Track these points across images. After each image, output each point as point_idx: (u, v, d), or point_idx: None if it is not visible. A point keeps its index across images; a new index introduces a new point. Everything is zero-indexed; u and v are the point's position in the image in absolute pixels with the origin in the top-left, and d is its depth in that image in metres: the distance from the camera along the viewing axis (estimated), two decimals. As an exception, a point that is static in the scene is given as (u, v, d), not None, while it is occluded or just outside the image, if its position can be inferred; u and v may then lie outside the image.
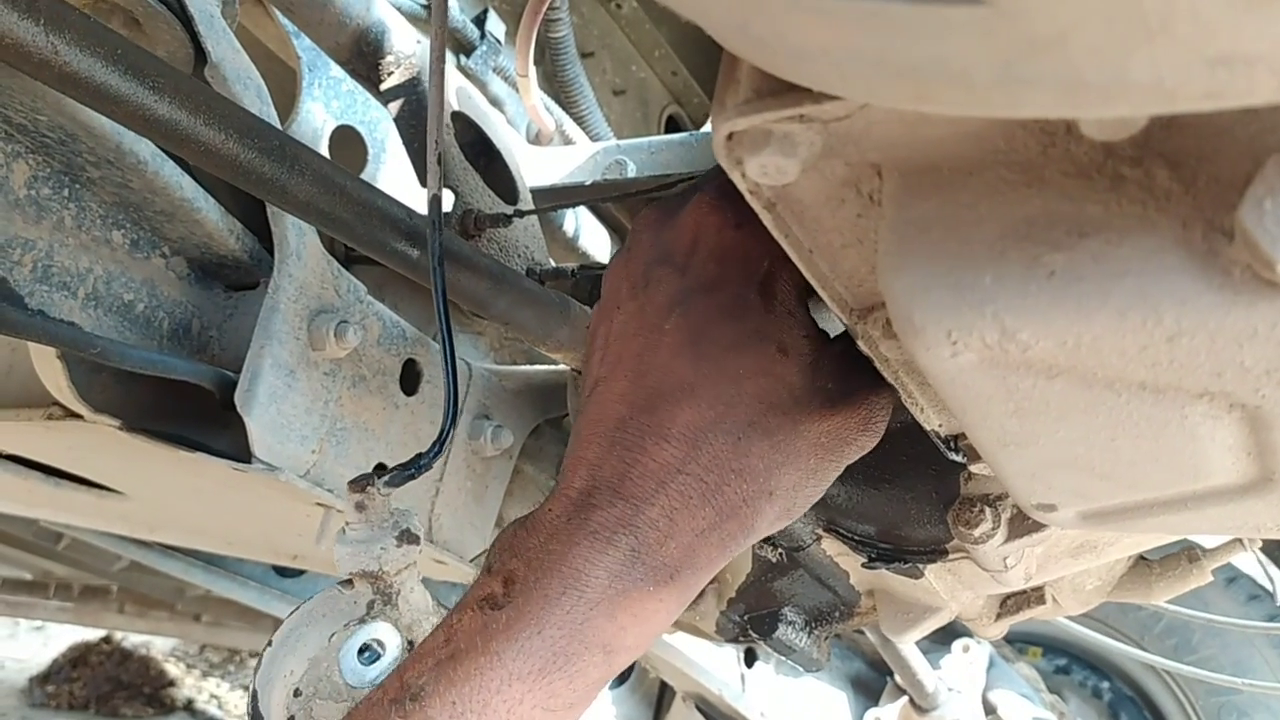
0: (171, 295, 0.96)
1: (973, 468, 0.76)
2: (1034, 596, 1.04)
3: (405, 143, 1.10)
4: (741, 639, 1.13)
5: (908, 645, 1.98)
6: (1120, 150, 0.40)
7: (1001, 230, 0.42)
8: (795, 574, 1.05)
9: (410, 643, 0.80)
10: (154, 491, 1.39)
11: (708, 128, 0.78)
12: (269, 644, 0.76)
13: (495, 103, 1.39)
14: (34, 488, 1.40)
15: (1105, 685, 2.70)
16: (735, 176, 0.46)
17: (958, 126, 0.42)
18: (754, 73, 0.44)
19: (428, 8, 1.23)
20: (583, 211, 1.37)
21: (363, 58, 1.10)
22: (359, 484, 0.76)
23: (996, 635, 1.08)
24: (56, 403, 0.97)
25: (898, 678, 2.12)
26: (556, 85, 1.52)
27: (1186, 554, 1.06)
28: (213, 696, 5.34)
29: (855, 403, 0.66)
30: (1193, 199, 0.39)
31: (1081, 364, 0.43)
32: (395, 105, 1.11)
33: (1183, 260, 0.39)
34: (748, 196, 0.49)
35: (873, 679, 2.31)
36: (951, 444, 0.68)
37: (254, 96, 0.89)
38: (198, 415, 1.01)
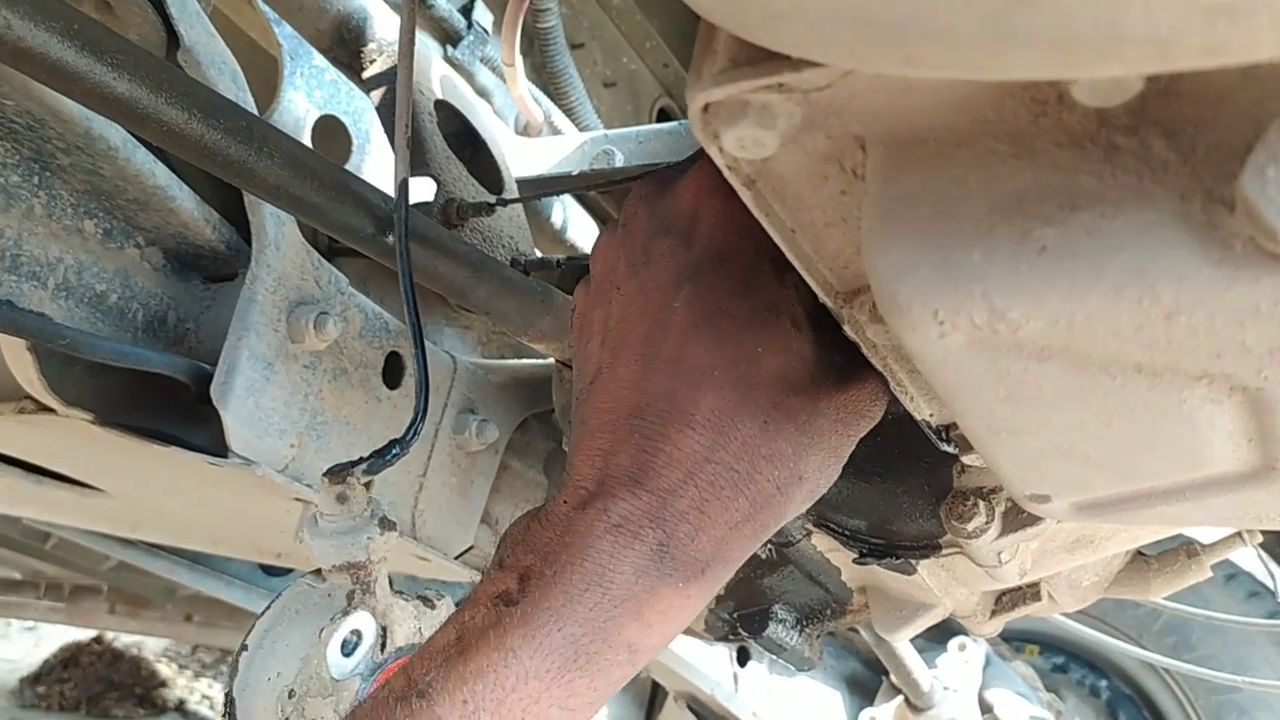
0: (146, 286, 0.94)
1: (965, 459, 0.74)
2: (1029, 593, 1.02)
3: (387, 131, 1.08)
4: (731, 637, 1.12)
5: (902, 643, 1.96)
6: (1114, 119, 0.38)
7: (990, 204, 0.40)
8: (785, 570, 1.03)
9: (384, 628, 0.78)
10: (134, 488, 1.36)
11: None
12: (244, 648, 0.74)
13: (483, 93, 1.37)
14: (14, 485, 1.37)
15: (1103, 684, 2.68)
16: (712, 151, 0.44)
17: (944, 95, 0.40)
18: (731, 41, 0.42)
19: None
20: (571, 203, 1.36)
21: (344, 45, 1.08)
22: (339, 474, 0.75)
23: (992, 633, 1.07)
24: (29, 396, 0.95)
25: (893, 677, 2.10)
26: (545, 76, 1.50)
27: (1184, 549, 1.04)
28: (204, 697, 5.31)
29: (864, 375, 0.63)
30: (1191, 169, 0.37)
31: (1075, 345, 0.41)
32: (377, 94, 1.09)
33: (1181, 234, 0.37)
34: (726, 172, 0.47)
35: (868, 678, 2.29)
36: (943, 434, 0.66)
37: (229, 81, 0.86)
38: (175, 410, 0.99)
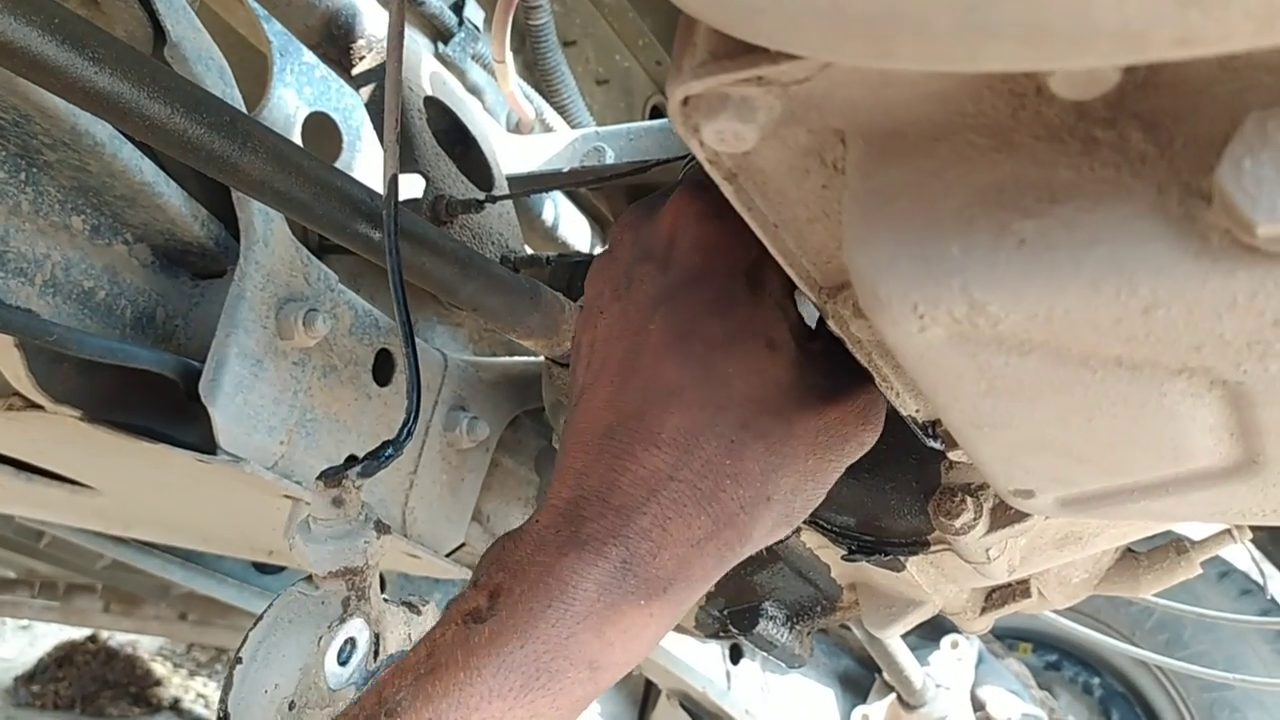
0: (134, 283, 0.94)
1: (952, 455, 0.74)
2: (1019, 590, 1.02)
3: (376, 128, 1.08)
4: (722, 634, 1.11)
5: (893, 640, 1.96)
6: (1093, 111, 0.38)
7: (969, 198, 0.40)
8: (775, 567, 1.02)
9: (377, 635, 0.77)
10: (124, 486, 1.36)
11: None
12: (238, 660, 0.72)
13: (474, 91, 1.37)
14: (4, 482, 1.37)
15: (1096, 681, 2.69)
16: (693, 145, 0.44)
17: (923, 88, 0.40)
18: (711, 34, 0.42)
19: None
20: (562, 201, 1.35)
21: (334, 42, 1.08)
22: (333, 478, 0.72)
23: (982, 629, 1.07)
24: (17, 393, 0.95)
25: (885, 674, 2.11)
26: (537, 74, 1.50)
27: (1174, 546, 1.04)
28: (199, 695, 5.31)
29: (850, 397, 0.63)
30: (1168, 162, 0.37)
31: (1054, 339, 0.41)
32: (367, 90, 1.08)
33: (1158, 227, 0.36)
34: (707, 167, 0.46)
35: (861, 676, 2.29)
36: (929, 430, 0.65)
37: (216, 77, 0.86)
38: (164, 407, 0.99)
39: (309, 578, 0.75)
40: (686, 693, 1.96)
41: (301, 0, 1.05)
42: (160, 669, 5.37)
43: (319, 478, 0.72)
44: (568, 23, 1.68)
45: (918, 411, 0.64)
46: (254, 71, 1.13)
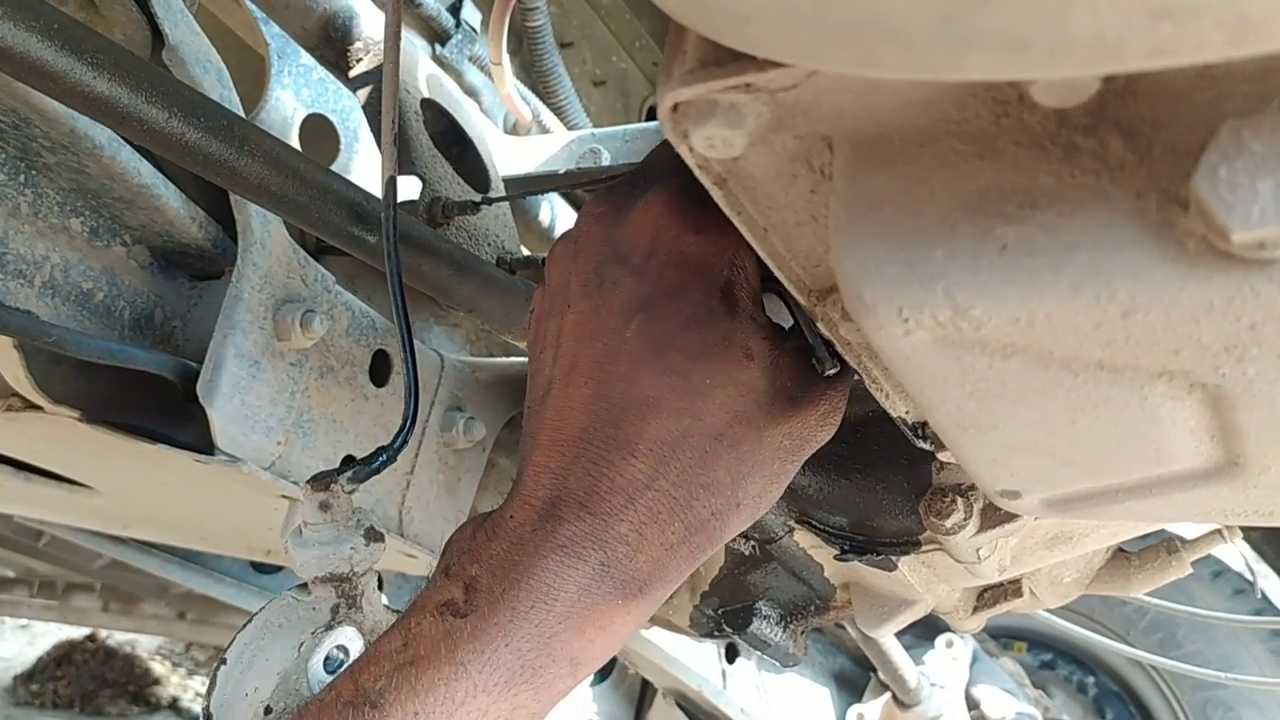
0: (133, 284, 0.95)
1: (942, 456, 0.75)
2: (1010, 589, 1.02)
3: (374, 130, 1.08)
4: (716, 633, 1.12)
5: (888, 640, 1.97)
6: (1073, 119, 0.39)
7: (953, 203, 0.41)
8: (769, 567, 1.03)
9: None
10: (122, 486, 1.37)
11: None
12: (222, 661, 0.71)
13: (471, 92, 1.37)
14: (3, 482, 1.38)
15: (1091, 680, 2.69)
16: (682, 150, 0.45)
17: (908, 95, 0.41)
18: (700, 42, 0.42)
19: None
20: (559, 202, 1.36)
21: (331, 44, 1.09)
22: (321, 482, 0.72)
23: (974, 629, 1.07)
24: (16, 394, 0.95)
25: (880, 673, 2.11)
26: (535, 75, 1.50)
27: (1165, 545, 1.05)
28: (197, 695, 5.31)
29: (813, 399, 0.65)
30: (1147, 169, 0.37)
31: (1036, 342, 0.42)
32: (364, 92, 1.09)
33: (1136, 233, 0.37)
34: (696, 171, 0.47)
35: (856, 675, 2.30)
36: (919, 431, 0.66)
37: (214, 80, 0.87)
38: (162, 407, 0.99)
39: (305, 583, 0.74)
40: (682, 691, 1.97)
41: (299, 3, 1.05)
42: (159, 668, 5.38)
43: (308, 481, 0.72)
44: (565, 24, 1.69)
45: (907, 413, 0.64)
46: (252, 73, 1.14)
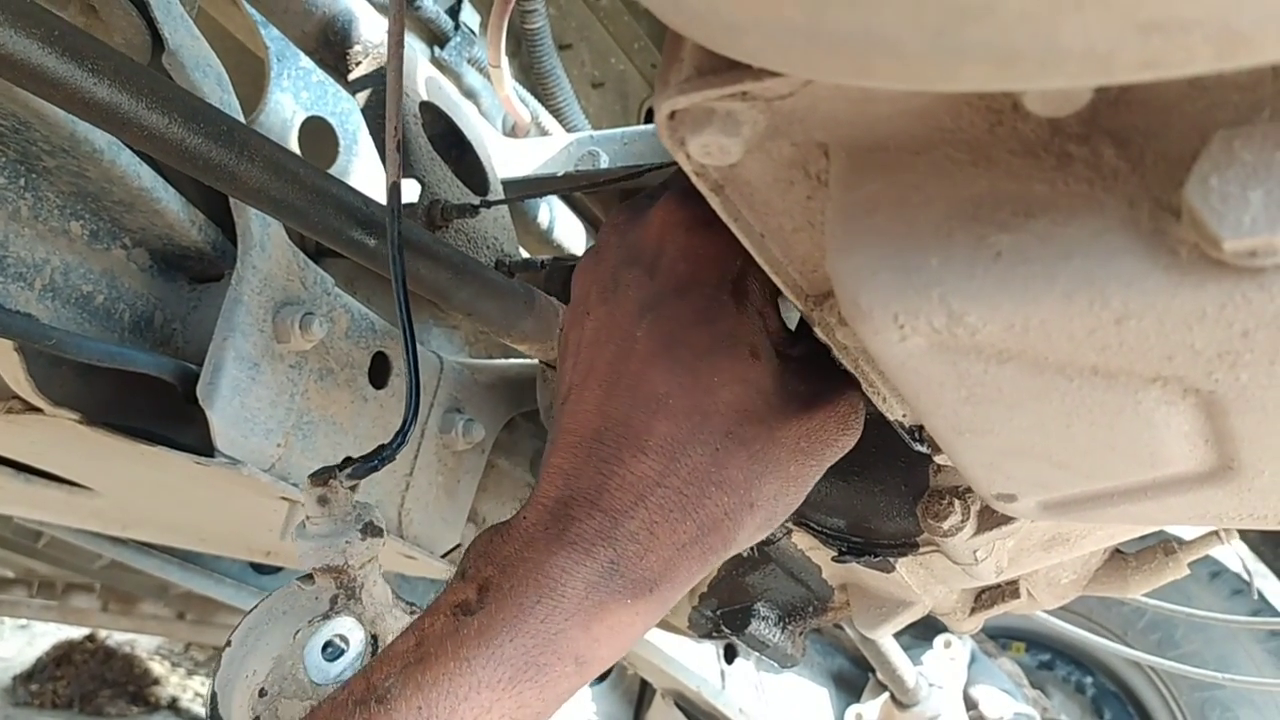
0: (133, 287, 0.95)
1: (939, 459, 0.75)
2: (1008, 591, 1.03)
3: (373, 133, 1.09)
4: (715, 634, 1.12)
5: (887, 640, 1.97)
6: (1067, 128, 0.39)
7: (948, 211, 0.41)
8: (767, 568, 1.04)
9: (374, 637, 0.78)
10: (122, 487, 1.37)
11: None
12: (228, 644, 0.75)
13: (470, 95, 1.37)
14: (3, 484, 1.38)
15: (1089, 681, 2.70)
16: (680, 157, 0.45)
17: (904, 104, 0.41)
18: (697, 50, 0.43)
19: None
20: (558, 204, 1.36)
21: (330, 47, 1.09)
22: (321, 477, 0.75)
23: (971, 629, 1.08)
24: (17, 396, 0.96)
25: (879, 674, 2.12)
26: (533, 77, 1.51)
27: (1162, 547, 1.05)
28: (197, 695, 5.31)
29: (830, 402, 0.65)
30: (1140, 177, 0.38)
31: (1031, 348, 0.42)
32: (363, 96, 1.09)
33: (1129, 240, 0.38)
34: (694, 179, 0.48)
35: (855, 675, 2.30)
36: (916, 434, 0.67)
37: (214, 84, 0.87)
38: (162, 410, 0.99)
39: (310, 574, 0.77)
40: (681, 692, 1.97)
41: (298, 6, 1.06)
42: (158, 668, 5.38)
43: (309, 477, 0.74)
44: (563, 26, 1.69)
45: (904, 416, 0.65)
46: (251, 76, 1.14)
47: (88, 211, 0.90)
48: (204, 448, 0.93)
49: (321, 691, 0.76)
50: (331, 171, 1.03)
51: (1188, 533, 1.10)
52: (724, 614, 1.09)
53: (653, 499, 0.59)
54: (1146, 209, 0.37)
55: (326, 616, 0.74)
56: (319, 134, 1.20)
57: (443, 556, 1.22)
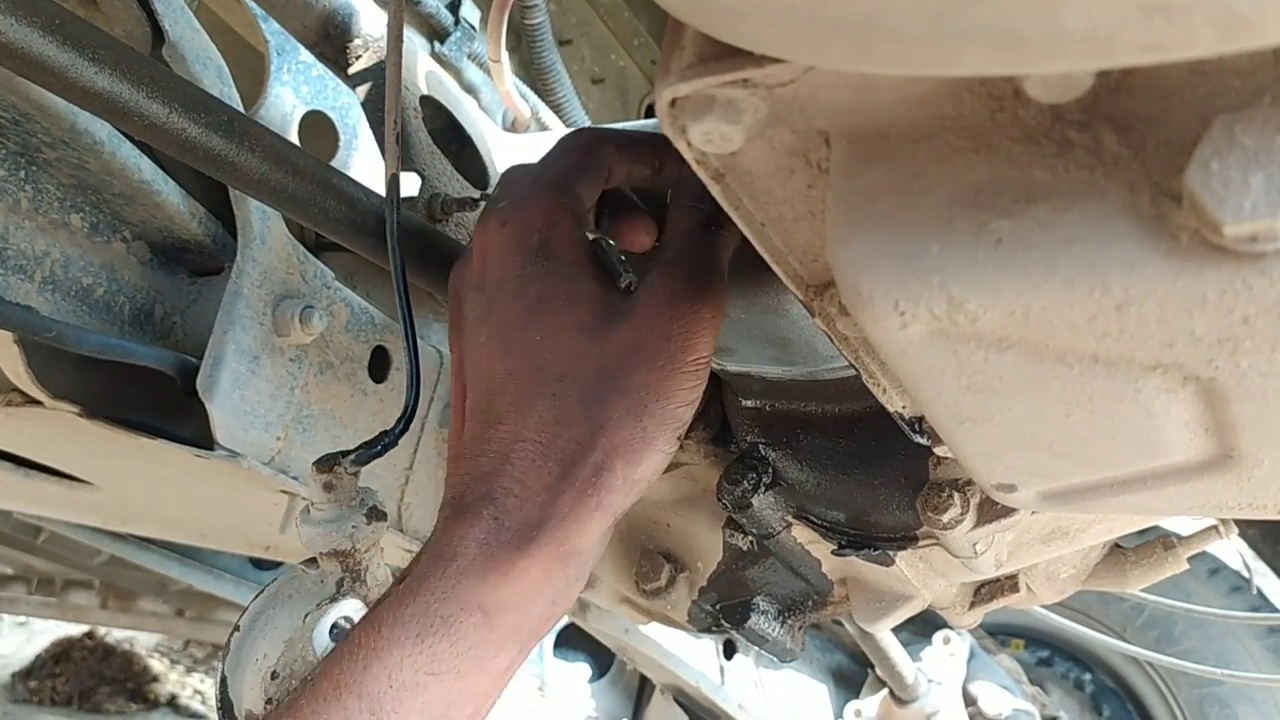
0: (133, 280, 0.95)
1: (938, 451, 0.75)
2: (1007, 585, 1.03)
3: (373, 126, 1.09)
4: (714, 629, 1.13)
5: (884, 635, 1.97)
6: (1068, 114, 0.39)
7: (949, 198, 0.41)
8: (767, 562, 1.04)
9: None
10: (122, 481, 1.37)
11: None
12: (236, 629, 0.77)
13: (470, 90, 1.37)
14: (3, 478, 1.38)
15: (1088, 677, 2.70)
16: (680, 145, 0.45)
17: (905, 91, 0.41)
18: (698, 37, 0.43)
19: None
20: (557, 199, 1.36)
21: (330, 41, 1.09)
22: (326, 464, 0.78)
23: (971, 624, 1.08)
24: (15, 389, 0.96)
25: (878, 669, 2.12)
26: (533, 73, 1.51)
27: (1162, 541, 1.05)
28: (196, 692, 5.31)
29: (632, 310, 0.68)
30: (1141, 163, 0.38)
31: (1032, 335, 0.42)
32: (363, 89, 1.09)
33: (1130, 226, 0.37)
34: (695, 166, 0.48)
35: (854, 671, 2.31)
36: (915, 426, 0.67)
37: (214, 76, 0.87)
38: (161, 402, 0.99)
39: (314, 559, 0.78)
40: (680, 688, 1.97)
41: (298, 0, 1.06)
42: (157, 665, 5.37)
43: (314, 463, 0.77)
44: (564, 22, 1.69)
45: (904, 408, 0.65)
46: (251, 70, 1.14)
47: (88, 204, 0.90)
48: (203, 441, 0.93)
49: None
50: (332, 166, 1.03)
51: (1186, 527, 1.10)
52: (723, 608, 1.09)
53: (515, 454, 0.67)
54: (1147, 195, 0.37)
55: (333, 599, 0.78)
56: (319, 128, 1.20)
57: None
